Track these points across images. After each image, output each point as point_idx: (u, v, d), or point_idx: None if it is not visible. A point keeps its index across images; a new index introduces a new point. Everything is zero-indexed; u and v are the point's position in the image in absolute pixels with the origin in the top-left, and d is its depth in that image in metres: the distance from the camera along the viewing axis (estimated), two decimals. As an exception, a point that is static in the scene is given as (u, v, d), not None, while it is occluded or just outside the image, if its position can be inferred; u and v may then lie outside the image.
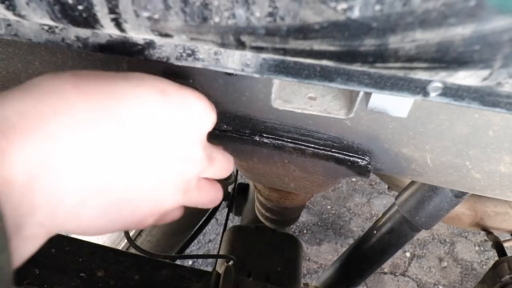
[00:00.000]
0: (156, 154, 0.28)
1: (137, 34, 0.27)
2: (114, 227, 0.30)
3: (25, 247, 0.24)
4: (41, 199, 0.23)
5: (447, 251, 2.04)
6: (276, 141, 0.46)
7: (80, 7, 0.25)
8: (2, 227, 0.20)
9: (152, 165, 0.29)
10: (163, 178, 0.30)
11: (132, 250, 0.81)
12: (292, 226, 1.24)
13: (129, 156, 0.27)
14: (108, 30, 0.27)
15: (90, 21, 0.26)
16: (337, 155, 0.46)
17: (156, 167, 0.29)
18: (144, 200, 0.29)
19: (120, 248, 1.08)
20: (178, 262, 0.78)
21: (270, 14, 0.22)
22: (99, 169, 0.26)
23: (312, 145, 0.46)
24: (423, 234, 2.07)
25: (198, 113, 0.31)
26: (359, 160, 0.46)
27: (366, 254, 0.97)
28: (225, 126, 0.46)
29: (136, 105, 0.27)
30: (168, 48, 0.30)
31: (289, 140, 0.46)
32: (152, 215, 0.32)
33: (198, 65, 0.30)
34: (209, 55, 0.29)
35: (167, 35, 0.26)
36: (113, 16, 0.25)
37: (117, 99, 0.26)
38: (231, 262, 0.88)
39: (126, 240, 0.98)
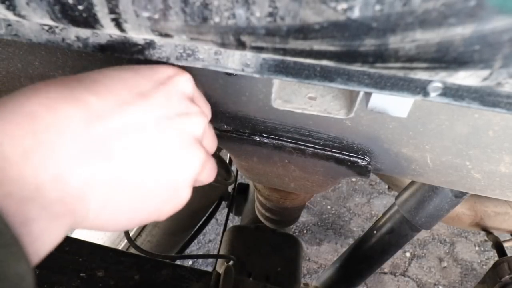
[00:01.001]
0: (154, 121, 0.29)
1: (137, 34, 0.27)
2: (128, 215, 0.30)
3: (52, 232, 0.24)
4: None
5: (447, 251, 2.03)
6: (276, 141, 0.46)
7: (80, 7, 0.25)
8: (14, 236, 0.20)
9: (155, 134, 0.29)
10: (171, 146, 0.30)
11: (132, 250, 0.81)
12: (292, 226, 1.24)
13: (128, 139, 0.27)
14: (108, 30, 0.27)
15: (90, 21, 0.26)
16: (337, 155, 0.46)
17: (159, 134, 0.29)
18: (162, 173, 0.30)
19: (120, 248, 1.08)
20: (178, 262, 0.78)
21: (270, 14, 0.22)
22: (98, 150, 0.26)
23: (312, 145, 0.46)
24: (423, 234, 2.07)
25: (169, 74, 0.32)
26: (359, 160, 0.46)
27: (366, 254, 0.96)
28: (225, 126, 0.46)
29: (114, 96, 0.28)
30: (168, 48, 0.30)
31: (289, 140, 0.46)
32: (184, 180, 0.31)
33: (198, 65, 0.30)
34: (209, 55, 0.29)
35: (167, 35, 0.26)
36: (113, 16, 0.25)
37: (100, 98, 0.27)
38: (231, 262, 0.88)
39: (126, 240, 0.97)
